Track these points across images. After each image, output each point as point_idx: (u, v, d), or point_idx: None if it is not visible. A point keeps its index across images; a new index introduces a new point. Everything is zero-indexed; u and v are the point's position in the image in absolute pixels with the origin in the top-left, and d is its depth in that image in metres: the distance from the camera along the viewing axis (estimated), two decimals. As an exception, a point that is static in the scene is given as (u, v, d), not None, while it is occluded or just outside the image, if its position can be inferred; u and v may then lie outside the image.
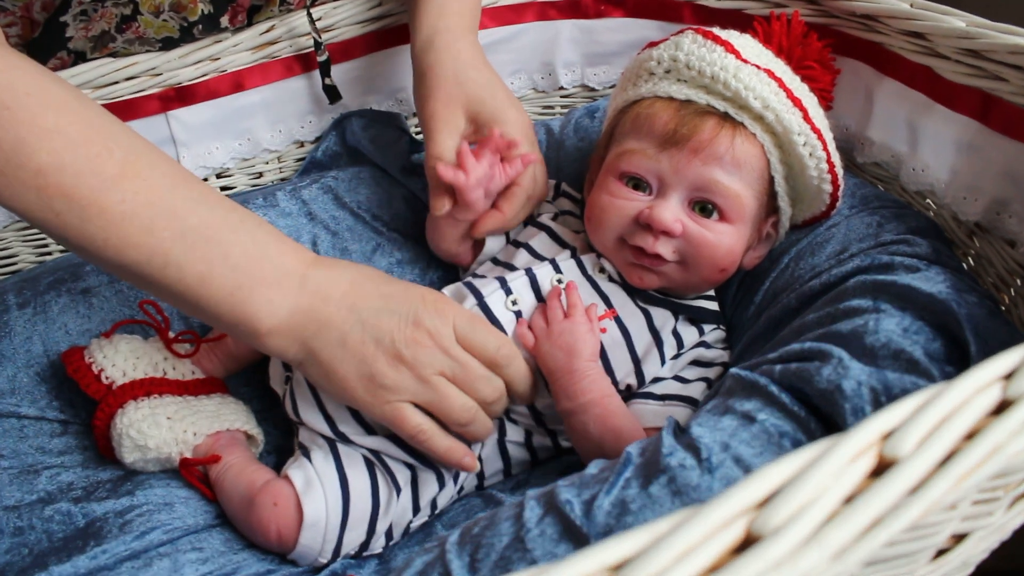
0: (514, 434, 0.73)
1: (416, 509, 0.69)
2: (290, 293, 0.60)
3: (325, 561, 0.66)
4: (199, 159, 0.89)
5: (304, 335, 0.61)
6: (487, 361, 0.65)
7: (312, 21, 0.87)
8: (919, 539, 0.39)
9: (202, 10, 0.80)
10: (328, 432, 0.68)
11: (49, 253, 0.89)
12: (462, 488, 0.73)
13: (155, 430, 0.68)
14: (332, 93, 0.93)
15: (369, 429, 0.68)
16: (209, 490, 0.69)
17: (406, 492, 0.69)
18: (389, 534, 0.69)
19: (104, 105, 0.83)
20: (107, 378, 0.70)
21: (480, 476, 0.73)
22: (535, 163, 0.78)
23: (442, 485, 0.70)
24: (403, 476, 0.68)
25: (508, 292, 0.72)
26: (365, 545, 0.68)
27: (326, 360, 0.62)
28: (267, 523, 0.65)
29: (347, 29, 0.92)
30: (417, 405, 0.63)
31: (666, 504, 0.52)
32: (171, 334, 0.75)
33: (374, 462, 0.68)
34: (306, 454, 0.69)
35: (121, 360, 0.71)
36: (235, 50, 0.85)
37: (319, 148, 0.96)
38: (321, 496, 0.66)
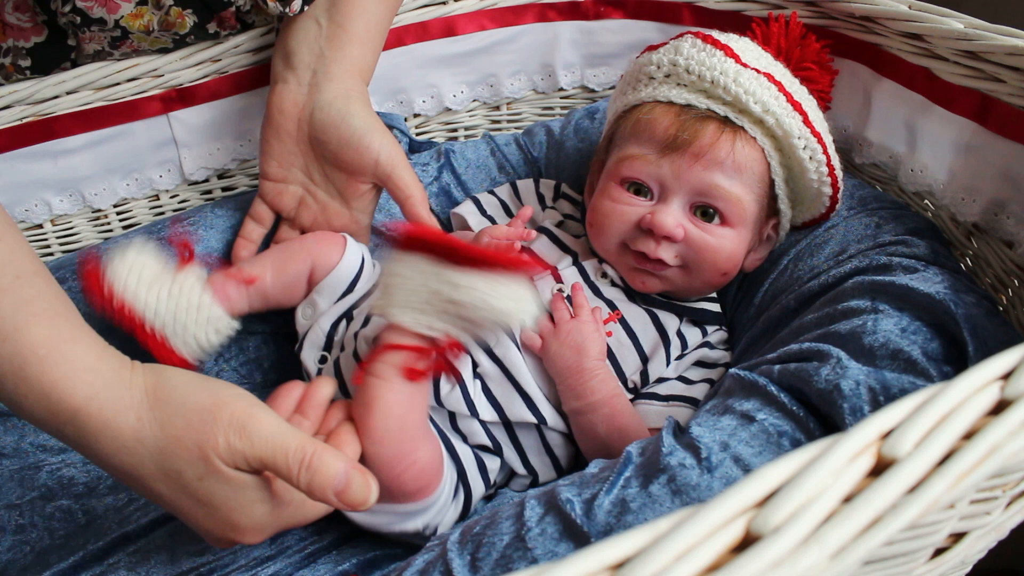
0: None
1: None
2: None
3: (424, 526, 0.63)
4: (200, 160, 0.90)
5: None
6: None
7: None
8: (917, 538, 0.39)
9: (190, 22, 0.80)
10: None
11: (52, 254, 0.89)
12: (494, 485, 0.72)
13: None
14: None
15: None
16: None
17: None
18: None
19: (105, 107, 0.83)
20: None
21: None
22: None
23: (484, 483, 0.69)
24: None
25: None
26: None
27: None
28: (435, 464, 0.61)
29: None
30: None
31: (666, 503, 0.53)
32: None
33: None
34: None
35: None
36: (236, 52, 0.85)
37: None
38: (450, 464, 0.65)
